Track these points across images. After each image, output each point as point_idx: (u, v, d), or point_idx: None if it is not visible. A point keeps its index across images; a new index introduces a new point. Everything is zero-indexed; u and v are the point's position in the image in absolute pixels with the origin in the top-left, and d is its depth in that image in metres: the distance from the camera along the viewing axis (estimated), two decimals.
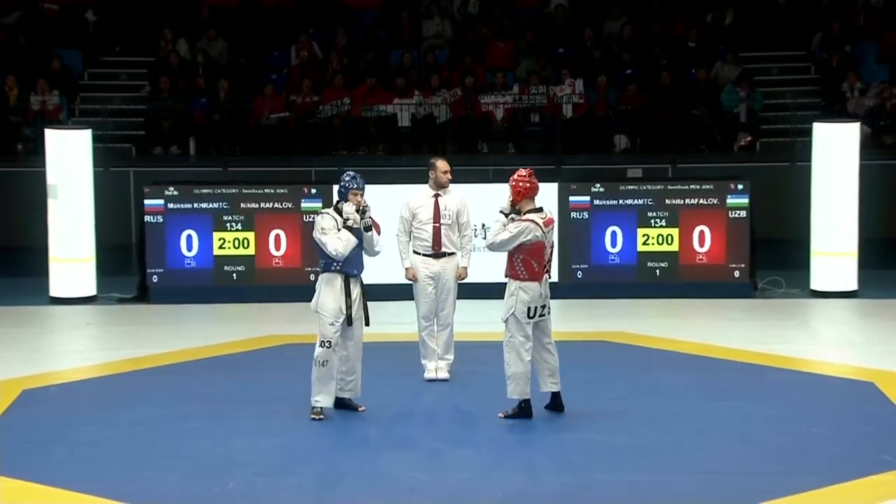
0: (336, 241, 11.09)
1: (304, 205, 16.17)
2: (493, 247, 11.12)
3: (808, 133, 16.98)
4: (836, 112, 21.00)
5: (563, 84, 21.75)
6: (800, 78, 22.97)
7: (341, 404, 11.42)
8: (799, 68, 23.27)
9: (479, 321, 14.34)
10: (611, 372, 12.86)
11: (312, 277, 11.57)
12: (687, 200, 16.35)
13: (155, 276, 16.29)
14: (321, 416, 11.17)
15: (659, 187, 16.48)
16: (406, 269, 12.52)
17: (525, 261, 10.97)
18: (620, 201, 16.37)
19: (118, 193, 19.76)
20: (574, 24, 23.46)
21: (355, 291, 11.26)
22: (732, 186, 16.35)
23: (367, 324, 11.38)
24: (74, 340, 14.82)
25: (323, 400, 11.20)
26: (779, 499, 9.26)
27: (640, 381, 12.49)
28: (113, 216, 18.57)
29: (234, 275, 16.30)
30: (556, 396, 11.25)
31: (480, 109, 21.72)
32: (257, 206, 16.31)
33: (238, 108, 21.74)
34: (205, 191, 16.41)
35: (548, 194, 15.90)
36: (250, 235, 16.28)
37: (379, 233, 11.45)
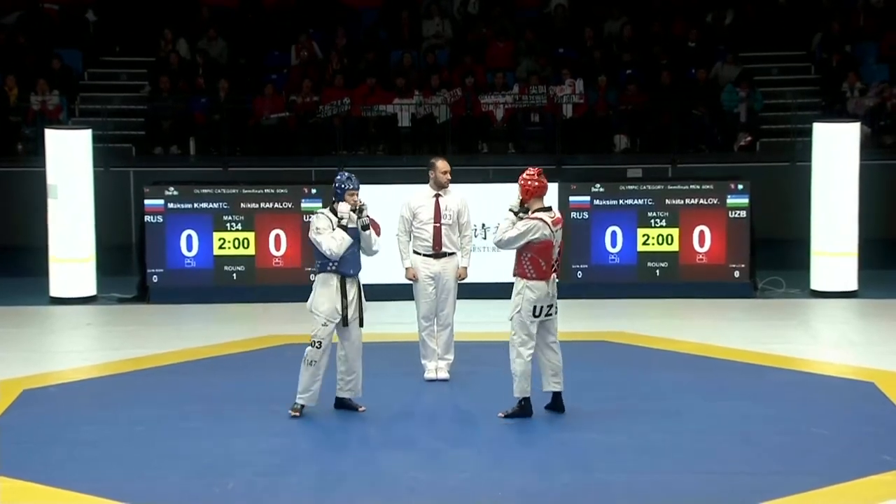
0: (330, 241, 11.08)
1: (304, 205, 16.17)
2: (500, 244, 11.12)
3: (808, 133, 16.98)
4: (836, 112, 21.01)
5: (563, 84, 21.75)
6: (800, 78, 22.98)
7: (341, 404, 11.43)
8: (799, 68, 23.28)
9: (479, 321, 14.35)
10: (611, 372, 12.86)
11: (312, 277, 11.54)
12: (687, 200, 16.35)
13: (155, 276, 16.29)
14: (298, 415, 11.20)
15: (659, 187, 16.48)
16: (406, 268, 12.51)
17: (533, 259, 10.98)
18: (620, 201, 16.38)
19: (118, 193, 19.76)
20: (574, 24, 23.47)
21: (352, 292, 11.25)
22: (732, 186, 16.35)
23: (361, 325, 11.34)
24: (74, 340, 14.82)
25: (305, 399, 11.23)
26: (779, 499, 9.26)
27: (640, 381, 12.49)
28: (113, 216, 18.57)
29: (234, 275, 16.30)
30: (557, 396, 11.26)
31: (480, 109, 21.73)
32: (257, 206, 16.31)
33: (238, 108, 21.75)
34: (205, 191, 16.41)
35: (548, 194, 15.91)
36: (250, 235, 16.28)
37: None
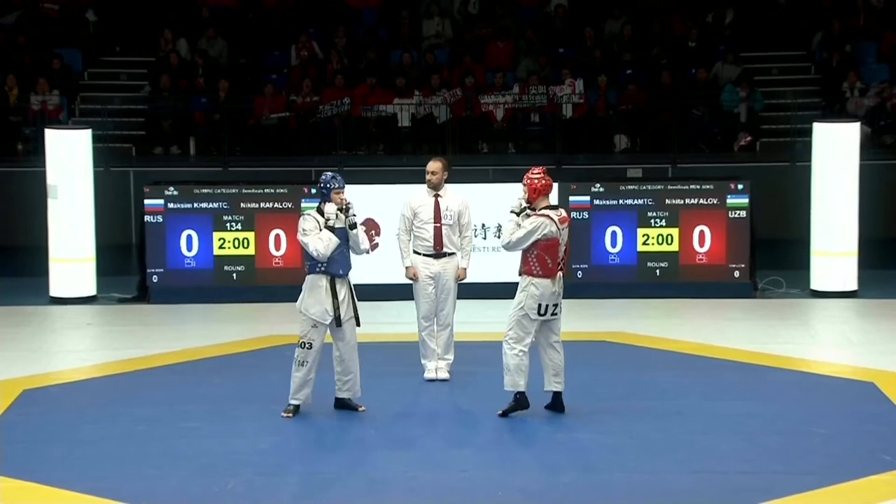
0: (317, 242, 11.07)
1: (304, 205, 16.15)
2: (509, 246, 11.09)
3: (808, 133, 16.98)
4: (836, 112, 21.02)
5: (563, 84, 21.75)
6: (800, 78, 22.99)
7: (341, 405, 11.43)
8: (799, 68, 23.29)
9: (479, 321, 14.35)
10: (611, 372, 12.86)
11: None
12: (687, 200, 16.35)
13: (155, 276, 16.29)
14: (291, 416, 11.21)
15: (659, 187, 16.48)
16: (407, 267, 12.51)
17: (539, 256, 10.99)
18: (620, 201, 16.38)
19: (118, 193, 19.76)
20: (574, 24, 23.47)
21: (342, 292, 11.22)
22: (732, 186, 16.35)
23: (358, 324, 11.33)
24: (74, 340, 14.82)
25: (298, 400, 11.24)
26: (779, 499, 9.26)
27: (640, 381, 12.49)
28: (113, 216, 18.59)
29: (234, 275, 16.30)
30: (557, 396, 11.26)
31: (480, 109, 21.73)
32: (257, 206, 16.31)
33: (238, 107, 21.75)
34: (205, 191, 16.41)
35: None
36: (250, 235, 16.28)
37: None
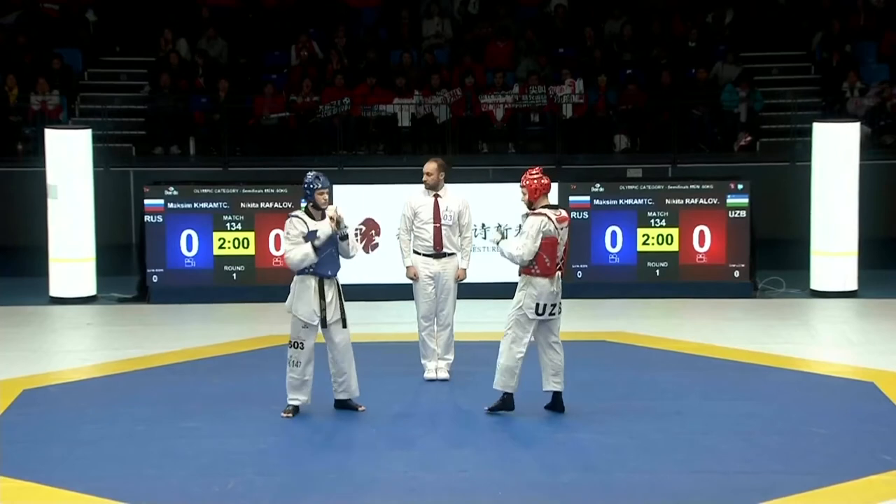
0: (295, 253, 11.05)
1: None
2: (524, 257, 11.00)
3: (808, 133, 16.98)
4: (836, 112, 21.02)
5: (563, 84, 21.76)
6: (800, 78, 22.99)
7: (341, 405, 11.42)
8: (799, 68, 23.29)
9: (479, 321, 14.35)
10: (610, 372, 12.86)
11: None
12: (687, 200, 16.35)
13: (155, 276, 16.29)
14: (290, 415, 11.21)
15: (659, 187, 16.48)
16: (407, 267, 12.50)
17: (538, 256, 10.99)
18: (620, 201, 16.38)
19: (118, 193, 19.76)
20: (574, 24, 23.47)
21: (330, 293, 11.19)
22: (732, 186, 16.35)
23: (345, 325, 11.26)
24: (74, 340, 14.82)
25: (295, 400, 11.24)
26: (779, 499, 9.26)
27: (640, 381, 12.49)
28: (113, 216, 18.59)
29: (234, 275, 16.30)
30: (557, 396, 11.26)
31: (480, 109, 21.73)
32: (257, 206, 16.31)
33: (238, 107, 21.75)
34: (205, 191, 16.41)
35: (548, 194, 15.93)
36: (250, 235, 16.29)
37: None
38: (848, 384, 12.41)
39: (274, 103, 21.62)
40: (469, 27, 23.82)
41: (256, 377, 12.63)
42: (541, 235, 10.97)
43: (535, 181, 11.13)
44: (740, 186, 16.33)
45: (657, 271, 16.34)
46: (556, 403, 11.27)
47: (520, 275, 11.14)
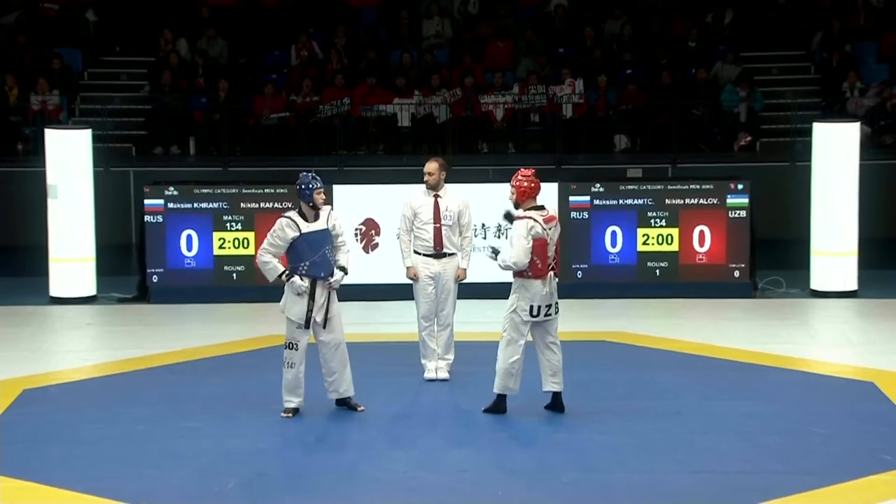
0: (265, 260, 11.13)
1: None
2: (518, 264, 11.02)
3: (808, 133, 16.98)
4: (836, 112, 21.02)
5: (563, 84, 21.76)
6: (800, 78, 22.99)
7: (342, 403, 11.42)
8: (799, 68, 23.29)
9: (479, 321, 14.35)
10: (610, 372, 12.86)
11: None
12: (687, 200, 16.35)
13: (155, 276, 16.29)
14: (290, 415, 11.21)
15: (659, 187, 16.48)
16: (408, 267, 12.49)
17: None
18: (620, 201, 16.37)
19: (118, 193, 19.76)
20: (574, 24, 23.48)
21: (322, 295, 11.17)
22: (732, 186, 16.35)
23: (324, 326, 11.19)
24: (74, 340, 14.82)
25: (292, 401, 11.24)
26: (779, 499, 9.27)
27: (639, 381, 12.49)
28: (113, 216, 18.59)
29: (234, 275, 16.30)
30: (556, 396, 11.26)
31: (480, 109, 21.73)
32: (257, 206, 16.31)
33: (238, 107, 21.75)
34: (205, 191, 16.41)
35: (548, 194, 15.89)
36: (250, 235, 16.28)
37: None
38: (848, 384, 12.41)
39: (274, 103, 21.62)
40: (469, 27, 23.82)
41: (256, 377, 12.63)
42: (531, 238, 10.96)
43: (526, 184, 11.11)
44: (740, 186, 16.33)
45: (657, 271, 16.34)
46: (555, 403, 11.27)
47: (513, 276, 11.14)
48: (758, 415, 11.28)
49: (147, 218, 16.33)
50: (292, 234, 11.05)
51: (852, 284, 16.36)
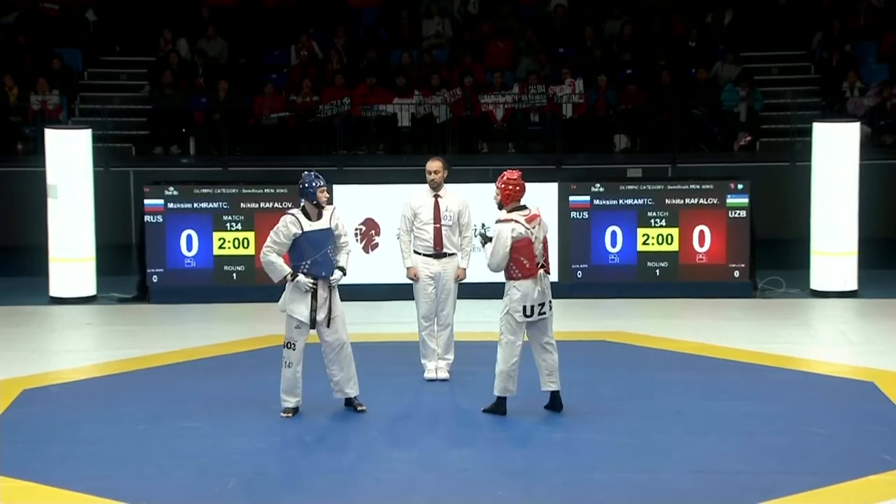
0: (269, 259, 11.09)
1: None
2: (493, 264, 11.06)
3: (808, 133, 16.98)
4: (836, 112, 21.02)
5: (563, 84, 21.76)
6: (800, 78, 22.99)
7: (348, 403, 11.41)
8: (799, 68, 23.29)
9: (479, 321, 14.34)
10: (611, 372, 12.86)
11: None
12: (687, 200, 16.35)
13: (155, 276, 16.29)
14: (290, 415, 11.21)
15: (659, 187, 16.48)
16: (408, 268, 12.49)
17: (515, 259, 11.00)
18: (620, 201, 16.37)
19: (118, 193, 19.77)
20: (574, 24, 23.48)
21: (324, 294, 11.18)
22: (732, 186, 16.35)
23: (328, 325, 11.22)
24: (74, 340, 14.82)
25: (289, 401, 11.24)
26: (779, 499, 9.27)
27: (639, 381, 12.49)
28: (113, 216, 18.59)
29: (234, 275, 16.30)
30: (554, 396, 11.26)
31: (480, 109, 21.73)
32: (257, 206, 16.31)
33: (238, 107, 21.75)
34: (205, 191, 16.41)
35: (548, 194, 15.95)
36: (250, 235, 16.28)
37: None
38: (848, 384, 12.40)
39: (274, 103, 21.62)
40: (469, 27, 23.82)
41: (256, 377, 12.63)
42: (510, 241, 10.95)
43: (511, 188, 11.12)
44: (740, 186, 16.33)
45: (657, 271, 16.34)
46: (554, 403, 11.28)
47: (505, 279, 11.15)
48: (758, 415, 11.27)
49: (147, 218, 16.33)
50: (295, 230, 11.06)
51: (852, 284, 16.36)
